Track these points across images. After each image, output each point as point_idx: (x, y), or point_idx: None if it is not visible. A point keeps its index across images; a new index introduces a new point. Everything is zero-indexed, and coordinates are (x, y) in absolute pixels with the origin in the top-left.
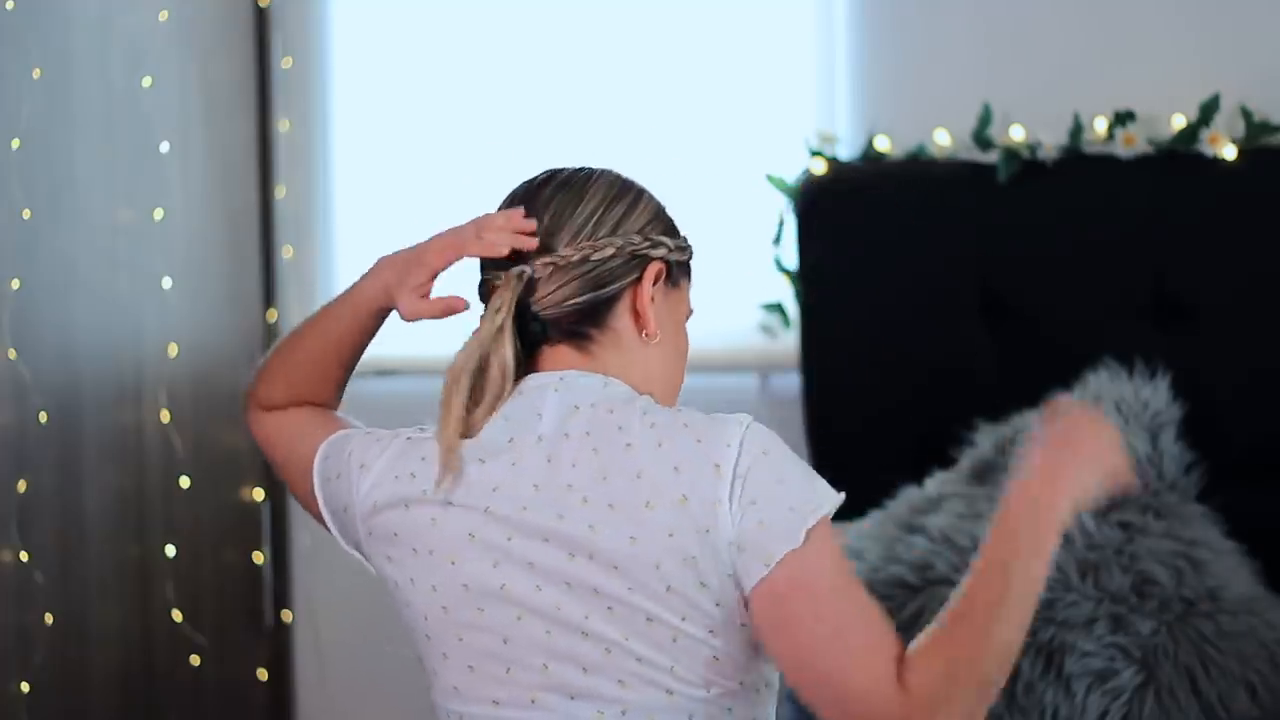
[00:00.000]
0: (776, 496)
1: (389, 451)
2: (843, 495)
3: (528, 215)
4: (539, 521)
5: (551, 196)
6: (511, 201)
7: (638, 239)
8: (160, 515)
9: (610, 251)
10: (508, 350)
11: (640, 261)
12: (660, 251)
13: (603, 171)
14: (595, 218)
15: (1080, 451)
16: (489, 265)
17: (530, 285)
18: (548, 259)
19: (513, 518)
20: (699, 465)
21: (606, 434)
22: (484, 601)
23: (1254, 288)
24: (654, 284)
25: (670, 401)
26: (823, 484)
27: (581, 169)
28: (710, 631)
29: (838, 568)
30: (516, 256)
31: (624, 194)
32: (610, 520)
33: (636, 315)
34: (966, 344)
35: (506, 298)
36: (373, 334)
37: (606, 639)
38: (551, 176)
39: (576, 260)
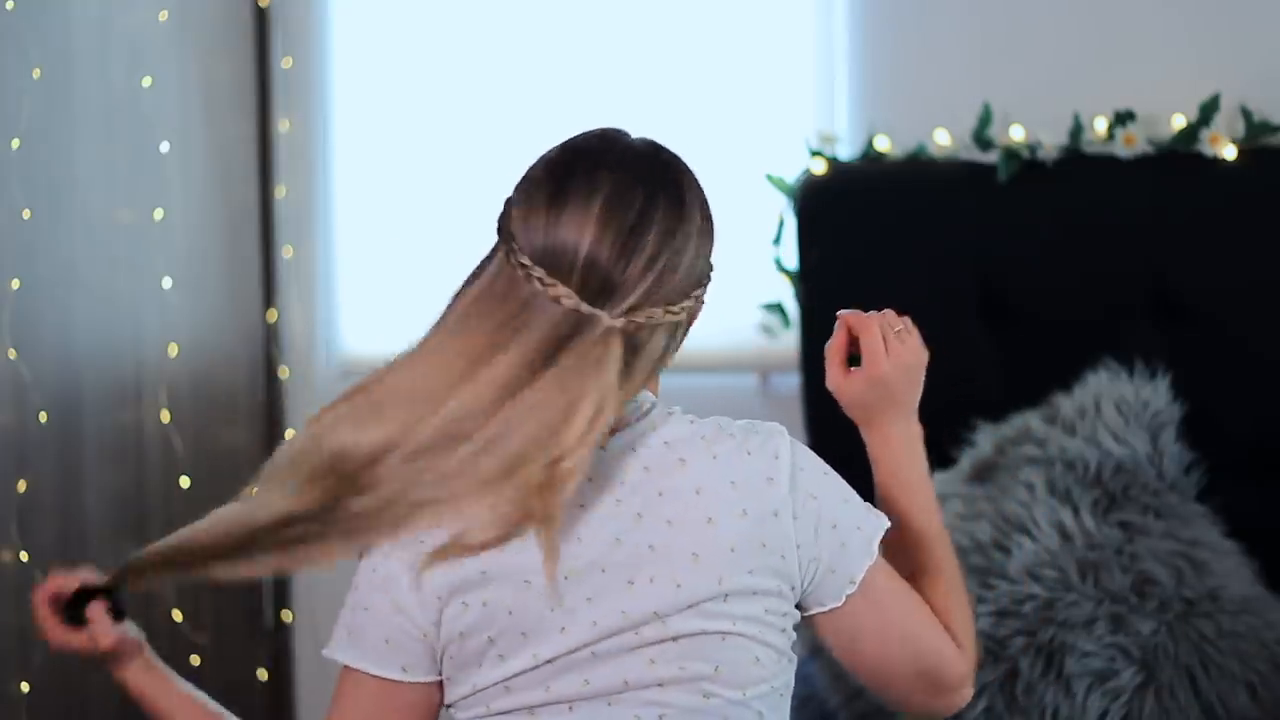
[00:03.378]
0: (848, 519)
1: (410, 566)
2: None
3: (630, 248)
4: (593, 554)
5: (659, 252)
6: (614, 213)
7: (700, 291)
8: (160, 515)
9: (682, 317)
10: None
11: (691, 318)
12: (703, 298)
13: (692, 187)
14: (685, 281)
15: (915, 380)
16: (550, 263)
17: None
18: (633, 319)
19: (566, 552)
20: (753, 478)
21: (654, 451)
22: (534, 642)
23: (1254, 288)
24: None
25: None
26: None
27: (677, 181)
28: (759, 629)
29: (889, 566)
30: (599, 294)
31: (706, 231)
32: (669, 537)
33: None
34: (967, 344)
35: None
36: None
37: (653, 651)
38: (653, 199)
39: (657, 323)
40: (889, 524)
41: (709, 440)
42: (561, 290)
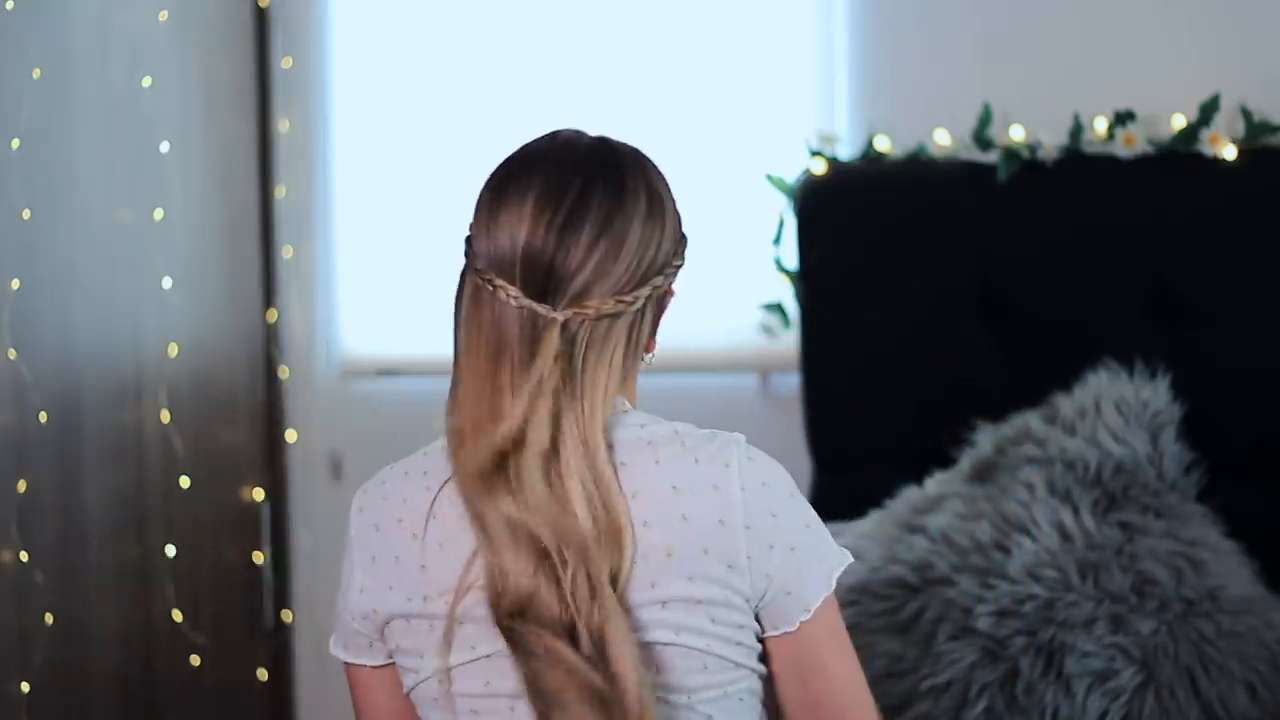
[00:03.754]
0: (809, 545)
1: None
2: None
3: (565, 234)
4: None
5: (597, 237)
6: (548, 204)
7: (660, 280)
8: (160, 515)
9: (640, 304)
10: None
11: (660, 296)
12: (675, 277)
13: (636, 174)
14: (632, 266)
15: None
16: (497, 264)
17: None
18: (580, 310)
19: None
20: (697, 484)
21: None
22: (474, 635)
23: (1254, 288)
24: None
25: None
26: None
27: (618, 167)
28: (707, 641)
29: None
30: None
31: (655, 216)
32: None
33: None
34: (966, 344)
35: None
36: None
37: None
38: (590, 185)
39: (609, 312)
40: (851, 560)
41: (655, 445)
42: (511, 290)
